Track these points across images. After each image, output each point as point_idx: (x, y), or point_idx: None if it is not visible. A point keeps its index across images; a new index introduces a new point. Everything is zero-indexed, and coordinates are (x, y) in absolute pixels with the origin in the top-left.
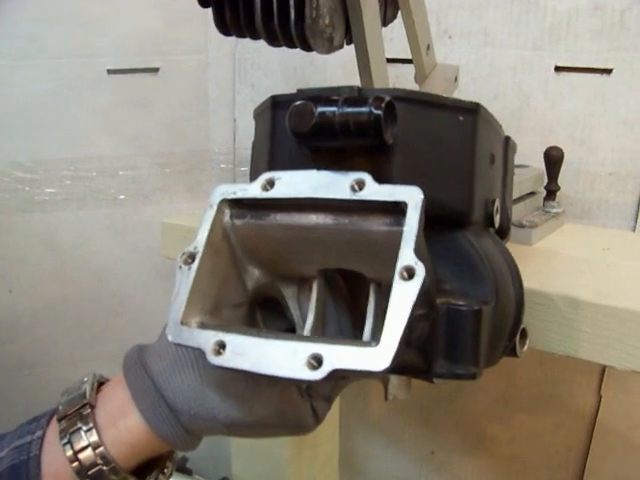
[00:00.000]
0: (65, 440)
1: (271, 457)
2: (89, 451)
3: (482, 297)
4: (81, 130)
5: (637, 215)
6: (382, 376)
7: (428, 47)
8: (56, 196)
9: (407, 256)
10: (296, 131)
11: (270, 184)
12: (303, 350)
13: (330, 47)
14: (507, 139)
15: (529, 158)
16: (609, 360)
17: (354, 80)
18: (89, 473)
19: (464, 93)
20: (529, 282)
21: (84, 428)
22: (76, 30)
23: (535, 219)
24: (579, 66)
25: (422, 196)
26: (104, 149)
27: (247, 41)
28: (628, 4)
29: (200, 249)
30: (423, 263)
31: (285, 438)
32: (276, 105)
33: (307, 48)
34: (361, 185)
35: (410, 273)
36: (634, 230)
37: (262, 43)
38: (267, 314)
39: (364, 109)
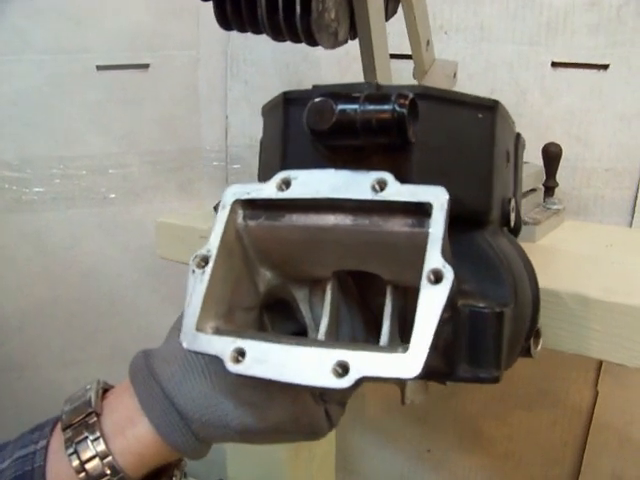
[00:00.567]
0: (71, 450)
1: (267, 459)
2: (96, 461)
3: (502, 298)
4: (70, 127)
5: (634, 211)
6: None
7: (428, 42)
8: (45, 195)
9: (435, 259)
10: (315, 129)
11: (286, 184)
12: (328, 357)
13: (335, 42)
14: (518, 136)
15: (526, 154)
16: (620, 358)
17: (349, 76)
18: None
19: (460, 89)
20: (538, 280)
21: (91, 437)
22: (64, 25)
23: (537, 216)
24: (576, 62)
25: (447, 197)
26: (94, 147)
27: (239, 37)
28: None
29: (213, 252)
30: (451, 266)
31: None
32: (288, 101)
33: (312, 43)
34: (382, 185)
35: (438, 276)
36: (631, 226)
37: (254, 39)
38: (275, 317)
39: (387, 107)
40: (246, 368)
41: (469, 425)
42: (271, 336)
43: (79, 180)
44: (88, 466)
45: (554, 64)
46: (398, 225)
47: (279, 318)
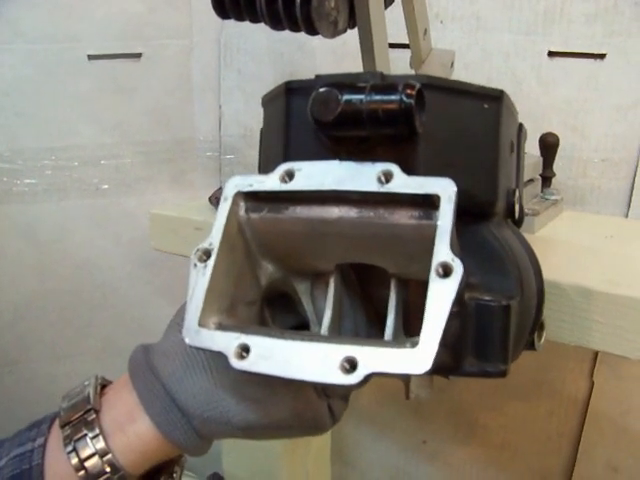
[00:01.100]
0: (70, 448)
1: (263, 452)
2: (96, 459)
3: (508, 291)
4: (61, 118)
5: (630, 201)
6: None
7: (425, 32)
8: (36, 187)
9: (443, 252)
10: (320, 119)
11: (289, 176)
12: (335, 353)
13: (335, 31)
14: (520, 126)
15: None
16: (623, 350)
17: (345, 66)
18: None
19: (456, 78)
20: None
21: (90, 435)
22: (55, 13)
23: (536, 207)
24: (573, 51)
25: (455, 188)
26: (85, 137)
27: (233, 25)
28: None
29: (215, 245)
30: (459, 259)
31: None
32: (290, 91)
33: (312, 32)
34: (388, 176)
35: (447, 270)
36: (627, 216)
37: (248, 27)
38: (275, 311)
39: (394, 97)
40: (251, 364)
41: (465, 416)
42: (275, 331)
43: (71, 171)
44: (87, 464)
45: (551, 53)
46: (404, 217)
47: (280, 312)
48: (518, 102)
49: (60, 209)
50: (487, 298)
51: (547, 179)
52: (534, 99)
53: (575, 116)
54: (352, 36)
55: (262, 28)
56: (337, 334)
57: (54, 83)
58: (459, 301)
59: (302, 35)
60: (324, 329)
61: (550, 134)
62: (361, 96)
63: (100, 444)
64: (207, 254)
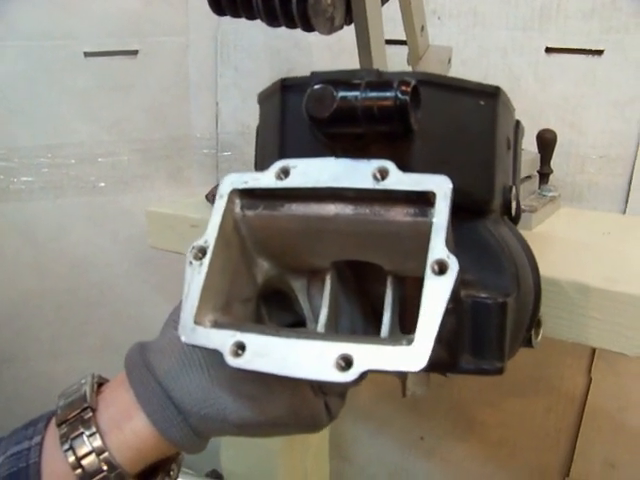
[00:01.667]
0: (67, 446)
1: (261, 449)
2: (93, 457)
3: (504, 288)
4: (57, 115)
5: (627, 198)
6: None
7: (422, 28)
8: (32, 185)
9: (439, 250)
10: (315, 116)
11: (285, 173)
12: (330, 350)
13: (331, 27)
14: (517, 123)
15: None
16: (620, 347)
17: (341, 62)
18: None
19: (453, 74)
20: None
21: (87, 433)
22: (51, 10)
23: (533, 203)
24: (570, 47)
25: (451, 185)
26: (82, 135)
27: (229, 22)
28: None
29: (211, 243)
30: (455, 256)
31: None
32: (286, 88)
33: (308, 28)
34: (384, 173)
35: (442, 267)
36: (624, 213)
37: (245, 24)
38: (271, 308)
39: (389, 94)
40: (246, 362)
41: (462, 412)
42: (270, 329)
43: (67, 169)
44: (84, 462)
45: (548, 50)
46: (400, 214)
47: (276, 309)
48: (515, 98)
49: (57, 207)
50: (483, 295)
51: (545, 175)
52: (531, 95)
53: (572, 112)
54: (348, 32)
55: (258, 25)
56: (333, 331)
57: (50, 80)
58: (455, 298)
59: (298, 32)
60: (320, 326)
61: (547, 130)
62: (356, 93)
63: (97, 442)
64: (202, 252)
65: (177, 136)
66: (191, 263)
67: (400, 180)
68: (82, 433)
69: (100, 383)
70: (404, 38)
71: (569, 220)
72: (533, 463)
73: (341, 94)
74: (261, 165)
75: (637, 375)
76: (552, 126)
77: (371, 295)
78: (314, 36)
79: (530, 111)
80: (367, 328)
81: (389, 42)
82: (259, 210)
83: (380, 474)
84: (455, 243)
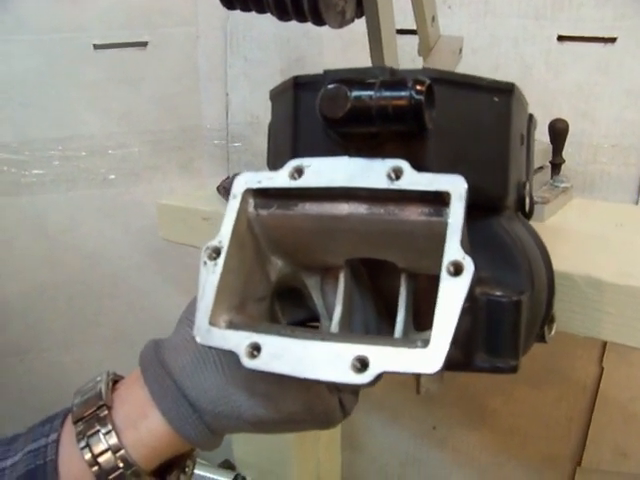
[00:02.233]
0: (83, 443)
1: (274, 439)
2: (109, 454)
3: (519, 285)
4: (68, 108)
5: None
6: None
7: (433, 19)
8: (44, 177)
9: (454, 250)
10: (329, 116)
11: (298, 172)
12: (346, 352)
13: (342, 21)
14: (530, 117)
15: None
16: (635, 341)
17: (352, 52)
18: (110, 477)
19: (464, 64)
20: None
21: (102, 431)
22: (60, 3)
23: (546, 194)
24: (582, 35)
25: (466, 185)
26: (92, 127)
27: (239, 13)
28: None
29: (225, 243)
30: (470, 257)
31: None
32: (299, 86)
33: (319, 22)
34: (398, 173)
35: (458, 268)
36: (636, 203)
37: (254, 15)
38: (285, 305)
39: (404, 93)
40: (262, 363)
41: (474, 402)
42: (285, 329)
43: (78, 161)
44: (101, 459)
45: (560, 38)
46: (415, 214)
47: (289, 306)
48: (527, 88)
49: (68, 199)
50: (498, 293)
51: (556, 166)
52: (543, 84)
53: (585, 101)
54: (359, 22)
55: (268, 15)
56: (347, 329)
57: (60, 73)
58: (470, 297)
59: (308, 23)
60: (334, 324)
61: (560, 120)
62: (370, 92)
63: (113, 440)
64: (217, 252)
65: (187, 127)
66: (205, 263)
67: (415, 180)
68: (98, 431)
69: (115, 380)
70: (414, 27)
71: (581, 211)
72: (545, 452)
73: (355, 93)
74: (274, 163)
75: None
76: (564, 115)
77: (384, 290)
78: (324, 27)
79: (542, 100)
80: (380, 324)
81: (399, 32)
82: (273, 209)
83: (392, 464)
84: (470, 241)
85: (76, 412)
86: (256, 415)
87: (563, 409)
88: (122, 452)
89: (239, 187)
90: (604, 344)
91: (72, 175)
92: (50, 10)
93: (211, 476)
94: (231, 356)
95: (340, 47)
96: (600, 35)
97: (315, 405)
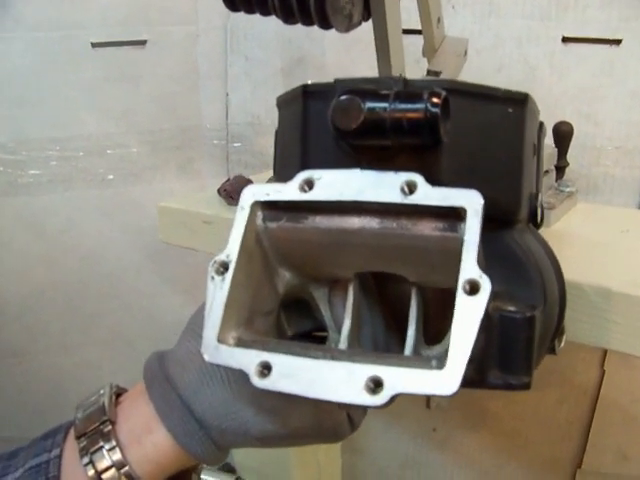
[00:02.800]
0: (86, 460)
1: None
2: (113, 471)
3: (531, 300)
4: (65, 107)
5: None
6: None
7: (439, 20)
8: (41, 178)
9: (471, 269)
10: (341, 128)
11: (309, 185)
12: (360, 372)
13: (349, 25)
14: (541, 125)
15: None
16: None
17: (355, 52)
18: None
19: (467, 65)
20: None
21: (106, 447)
22: (57, 0)
23: (551, 199)
24: (587, 37)
25: (482, 201)
26: (90, 127)
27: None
28: None
29: (233, 257)
30: (487, 275)
31: None
32: (308, 95)
33: (326, 26)
34: (412, 187)
35: (474, 287)
36: None
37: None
38: (291, 315)
39: (419, 106)
40: (273, 383)
41: (475, 404)
42: (296, 347)
43: (76, 162)
44: (104, 476)
45: (565, 39)
46: (428, 229)
47: (295, 316)
48: (531, 89)
49: (66, 200)
50: (511, 309)
51: (561, 169)
52: (547, 86)
53: (589, 103)
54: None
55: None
56: (356, 342)
57: (57, 72)
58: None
59: None
60: (343, 338)
61: (564, 123)
62: (384, 104)
63: (117, 456)
64: (224, 266)
65: (187, 127)
66: (213, 278)
67: (429, 195)
68: (102, 447)
69: (118, 394)
70: (417, 27)
71: (586, 217)
72: (545, 454)
73: (369, 105)
74: (281, 172)
75: None
76: (568, 117)
77: (391, 299)
78: None
79: (545, 102)
80: (388, 336)
81: (403, 32)
82: (282, 222)
83: (392, 466)
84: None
85: (79, 427)
86: (264, 431)
87: (564, 412)
88: (126, 468)
89: (247, 199)
90: None
91: (70, 175)
92: (47, 7)
93: (211, 479)
94: (238, 372)
95: (343, 47)
96: (605, 37)
97: (323, 420)
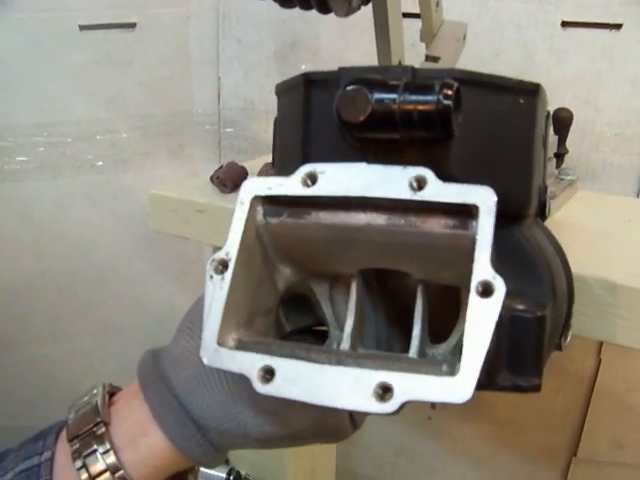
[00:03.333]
0: (79, 463)
1: None
2: (107, 475)
3: (540, 297)
4: (53, 92)
5: None
6: None
7: (437, 3)
8: (28, 164)
9: (484, 270)
10: (348, 120)
11: (312, 179)
12: (368, 378)
13: (349, 9)
14: (548, 115)
15: None
16: None
17: (351, 35)
18: None
19: (465, 49)
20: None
21: (100, 450)
22: None
23: (552, 188)
24: (587, 21)
25: (495, 199)
26: (79, 112)
27: None
28: None
29: (233, 255)
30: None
31: None
32: (310, 84)
33: (325, 10)
34: (422, 183)
35: (488, 289)
36: (638, 195)
37: None
38: (289, 311)
39: (431, 97)
40: (277, 389)
41: None
42: (299, 349)
43: (64, 148)
44: None
45: (564, 23)
46: (438, 226)
47: (293, 312)
48: (529, 74)
49: (54, 187)
50: (521, 307)
51: (560, 156)
52: (545, 71)
53: (588, 89)
54: None
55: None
56: (359, 340)
57: (44, 55)
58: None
59: None
60: (346, 336)
61: (564, 109)
62: (394, 95)
63: (111, 459)
64: (224, 265)
65: (178, 112)
66: (212, 277)
67: (439, 191)
68: (95, 450)
69: (112, 393)
70: (415, 11)
71: (587, 206)
72: (541, 443)
73: (377, 96)
74: (281, 163)
75: None
76: (566, 103)
77: (393, 295)
78: None
79: (544, 87)
80: (391, 333)
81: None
82: (283, 217)
83: (387, 454)
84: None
85: (71, 429)
86: (263, 432)
87: (560, 400)
88: (121, 472)
89: (247, 193)
90: None
91: (58, 162)
92: None
93: (205, 470)
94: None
95: (338, 30)
96: (606, 21)
97: (325, 421)
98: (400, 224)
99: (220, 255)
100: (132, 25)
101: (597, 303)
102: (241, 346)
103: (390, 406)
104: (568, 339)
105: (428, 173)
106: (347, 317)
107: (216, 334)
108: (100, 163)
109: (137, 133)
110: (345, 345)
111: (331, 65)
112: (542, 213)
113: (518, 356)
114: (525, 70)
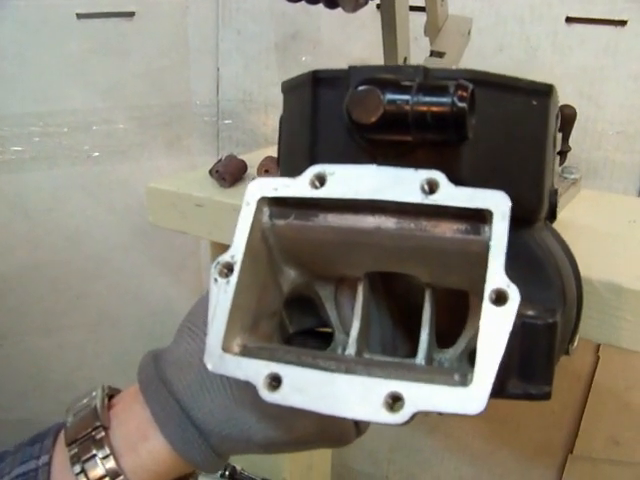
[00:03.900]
0: (78, 468)
1: None
2: None
3: (550, 303)
4: (49, 81)
5: None
6: None
7: None
8: (23, 154)
9: (498, 277)
10: (358, 121)
11: (320, 180)
12: (378, 387)
13: (356, 4)
14: (558, 115)
15: None
16: None
17: (353, 27)
18: None
19: (468, 44)
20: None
21: (99, 455)
22: None
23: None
24: (592, 17)
25: (510, 204)
26: (75, 102)
27: None
28: None
29: (239, 258)
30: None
31: None
32: (318, 82)
33: (331, 5)
34: (433, 186)
35: (502, 297)
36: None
37: None
38: (292, 312)
39: (445, 99)
40: (284, 397)
41: None
42: (306, 355)
43: (60, 138)
44: None
45: (568, 19)
46: (449, 231)
47: (297, 314)
48: (532, 70)
49: (50, 177)
50: (531, 313)
51: (563, 154)
52: (548, 67)
53: (591, 86)
54: None
55: None
56: (365, 344)
57: (40, 44)
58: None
59: None
60: (352, 341)
61: (567, 106)
62: (407, 96)
63: (110, 464)
64: (229, 268)
65: (176, 103)
66: (216, 280)
67: (452, 195)
68: (95, 455)
69: (111, 395)
70: (419, 4)
71: (591, 205)
72: (537, 440)
73: (389, 97)
74: (287, 163)
75: None
76: (569, 100)
77: (399, 298)
78: None
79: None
80: (396, 336)
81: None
82: (290, 219)
83: (382, 449)
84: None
85: (70, 432)
86: (267, 437)
87: (557, 398)
88: (121, 477)
89: (253, 194)
90: None
91: (53, 152)
92: None
93: None
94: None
95: (339, 23)
96: (610, 17)
97: (329, 426)
98: (410, 228)
99: (225, 258)
100: (130, 14)
101: (603, 306)
102: (246, 352)
103: (400, 417)
104: (575, 344)
105: (440, 176)
106: (353, 321)
107: (221, 339)
108: (96, 154)
109: (134, 124)
110: (351, 349)
111: (332, 57)
112: (552, 216)
113: (528, 363)
114: (528, 65)
